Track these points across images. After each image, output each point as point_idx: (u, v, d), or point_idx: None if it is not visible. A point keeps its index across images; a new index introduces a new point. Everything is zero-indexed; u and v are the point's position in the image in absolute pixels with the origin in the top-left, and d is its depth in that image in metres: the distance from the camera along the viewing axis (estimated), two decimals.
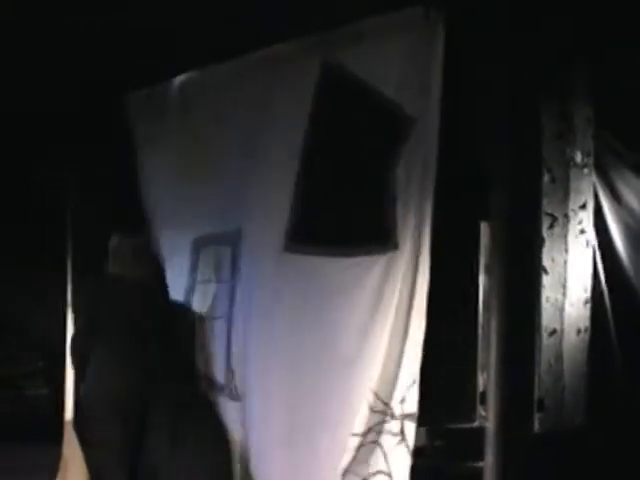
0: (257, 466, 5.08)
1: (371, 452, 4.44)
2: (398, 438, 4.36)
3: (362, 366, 4.46)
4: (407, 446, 4.35)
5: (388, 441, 4.40)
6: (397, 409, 4.37)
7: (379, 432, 4.41)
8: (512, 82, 4.09)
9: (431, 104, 4.26)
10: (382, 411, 4.40)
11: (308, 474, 4.75)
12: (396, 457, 4.37)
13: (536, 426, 4.05)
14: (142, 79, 5.86)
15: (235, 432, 5.26)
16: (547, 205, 4.09)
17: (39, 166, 6.97)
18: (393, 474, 4.37)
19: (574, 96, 4.16)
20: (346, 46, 4.59)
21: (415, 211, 4.37)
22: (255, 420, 5.09)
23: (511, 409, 4.08)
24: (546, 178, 4.09)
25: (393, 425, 4.37)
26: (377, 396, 4.41)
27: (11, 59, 5.67)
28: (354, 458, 4.47)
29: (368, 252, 4.51)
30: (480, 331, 5.05)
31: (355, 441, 4.47)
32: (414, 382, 4.30)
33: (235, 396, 5.25)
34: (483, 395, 4.94)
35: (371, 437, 4.44)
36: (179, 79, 5.86)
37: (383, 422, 4.40)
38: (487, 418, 4.24)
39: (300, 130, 4.78)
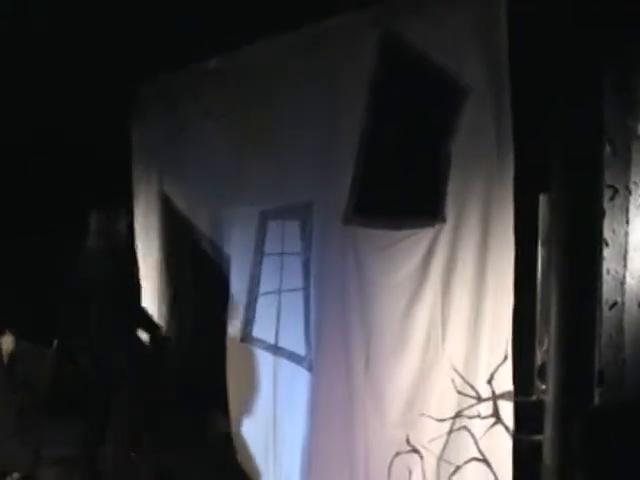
0: (319, 440, 5.08)
1: (462, 438, 4.33)
2: (491, 421, 4.24)
3: (437, 344, 4.45)
4: (506, 427, 4.23)
5: (478, 425, 4.27)
6: (485, 390, 4.26)
7: (468, 416, 4.30)
8: (574, 54, 4.03)
9: (492, 75, 4.23)
10: (469, 394, 4.31)
11: (364, 452, 4.74)
12: (491, 441, 4.24)
13: (596, 399, 4.01)
14: (199, 52, 5.86)
15: (309, 403, 5.25)
16: (608, 177, 4.04)
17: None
18: (490, 460, 4.24)
19: (637, 67, 4.09)
20: (405, 17, 4.57)
21: (465, 185, 4.36)
22: (322, 392, 5.09)
23: (571, 383, 4.06)
24: (607, 150, 4.04)
25: (482, 408, 4.26)
26: (463, 378, 4.34)
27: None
28: (446, 445, 4.38)
29: (419, 225, 4.51)
30: (538, 304, 5.02)
31: (445, 426, 4.38)
32: (506, 359, 4.23)
33: (312, 367, 5.25)
34: (541, 369, 4.91)
35: (460, 422, 4.35)
36: (237, 53, 5.86)
37: (472, 405, 4.29)
38: (546, 392, 4.21)
39: (361, 102, 4.77)
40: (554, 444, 4.03)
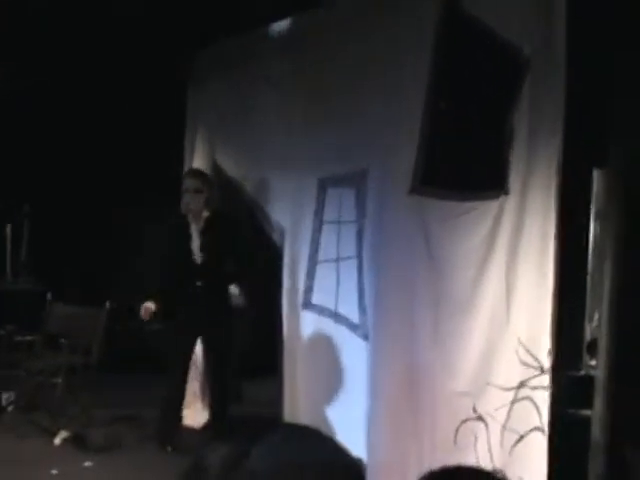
0: (376, 409, 5.06)
1: (525, 408, 4.30)
2: (548, 392, 4.22)
3: (503, 315, 4.42)
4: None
5: (540, 396, 4.25)
6: (546, 362, 4.23)
7: (532, 387, 4.27)
8: (634, 30, 3.99)
9: (549, 49, 4.19)
10: (532, 365, 4.26)
11: (431, 420, 4.77)
12: (547, 412, 4.23)
13: None
14: (257, 17, 5.85)
15: (369, 371, 5.21)
16: None
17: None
18: (546, 430, 4.22)
19: None
20: None
21: (529, 157, 4.34)
22: (378, 361, 5.08)
23: (622, 358, 4.05)
24: None
25: (544, 379, 4.23)
26: (526, 349, 4.29)
27: None
28: (510, 414, 4.36)
29: (483, 197, 4.50)
30: (589, 279, 5.01)
31: (509, 396, 4.36)
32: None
33: (366, 336, 5.25)
34: (590, 344, 4.91)
35: (524, 392, 4.32)
36: (295, 19, 5.84)
37: (535, 376, 4.26)
38: (597, 367, 4.21)
39: (423, 73, 4.72)
40: (604, 420, 4.03)
